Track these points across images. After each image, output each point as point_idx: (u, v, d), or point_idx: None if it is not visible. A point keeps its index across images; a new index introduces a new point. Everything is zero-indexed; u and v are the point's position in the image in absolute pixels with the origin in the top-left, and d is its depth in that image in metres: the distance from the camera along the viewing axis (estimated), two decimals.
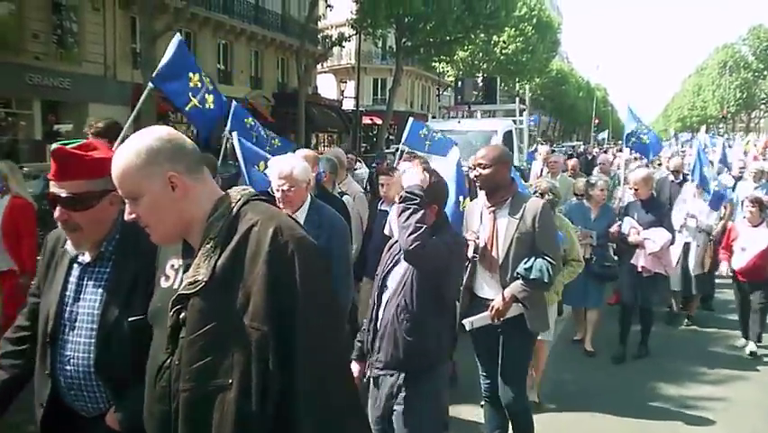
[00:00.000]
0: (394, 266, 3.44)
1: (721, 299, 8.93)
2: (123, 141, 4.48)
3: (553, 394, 5.85)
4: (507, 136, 15.03)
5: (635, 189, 6.74)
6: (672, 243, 6.58)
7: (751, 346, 6.99)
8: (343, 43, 30.25)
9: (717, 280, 8.57)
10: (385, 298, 3.40)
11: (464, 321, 4.09)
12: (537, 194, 5.20)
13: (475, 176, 4.07)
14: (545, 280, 3.85)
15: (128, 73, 23.03)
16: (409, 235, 3.09)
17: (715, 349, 7.45)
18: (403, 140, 8.26)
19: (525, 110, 17.19)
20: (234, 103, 8.18)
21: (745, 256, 6.95)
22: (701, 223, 7.76)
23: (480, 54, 43.55)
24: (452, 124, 16.67)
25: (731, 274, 7.33)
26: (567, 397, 5.86)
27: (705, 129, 28.84)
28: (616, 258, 7.20)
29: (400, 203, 3.21)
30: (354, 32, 30.00)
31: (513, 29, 42.08)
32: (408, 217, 3.14)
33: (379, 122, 36.69)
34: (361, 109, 34.70)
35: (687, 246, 7.81)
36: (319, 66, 38.50)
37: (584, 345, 7.11)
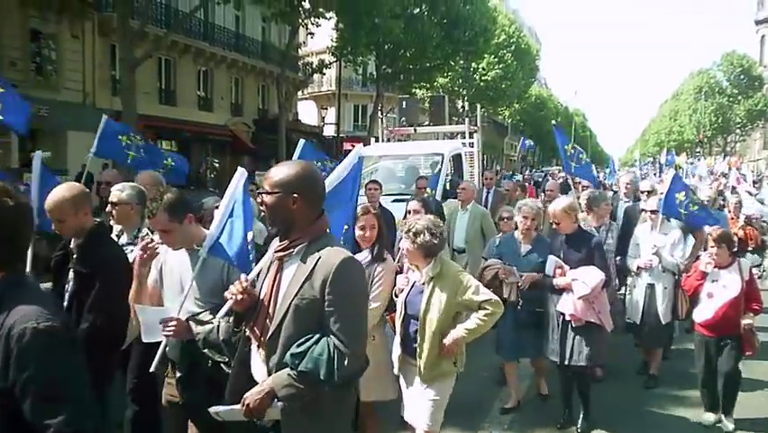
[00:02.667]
0: None
1: (681, 349, 7.33)
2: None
3: None
4: (456, 160, 13.62)
5: (556, 223, 5.57)
6: (606, 284, 5.42)
7: (727, 426, 5.55)
8: (324, 70, 30.41)
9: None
10: None
11: (210, 409, 2.84)
12: (410, 235, 4.09)
13: (258, 203, 2.91)
14: (322, 377, 2.49)
15: (107, 100, 22.90)
16: None
17: (681, 414, 5.96)
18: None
19: (476, 131, 15.70)
20: (104, 118, 7.48)
21: (712, 305, 5.49)
22: (665, 261, 6.41)
23: (460, 81, 43.94)
24: (393, 147, 15.03)
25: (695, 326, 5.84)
26: None
27: (665, 152, 28.88)
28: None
29: None
30: (335, 60, 30.18)
31: (492, 56, 42.57)
32: None
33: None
34: (341, 135, 34.78)
35: (651, 289, 6.52)
36: (300, 92, 38.64)
37: (539, 389, 6.16)
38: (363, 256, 4.33)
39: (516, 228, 5.88)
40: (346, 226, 4.18)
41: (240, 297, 2.73)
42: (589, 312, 5.30)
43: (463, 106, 49.77)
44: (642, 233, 6.78)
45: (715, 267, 5.55)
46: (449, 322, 4.08)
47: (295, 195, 2.64)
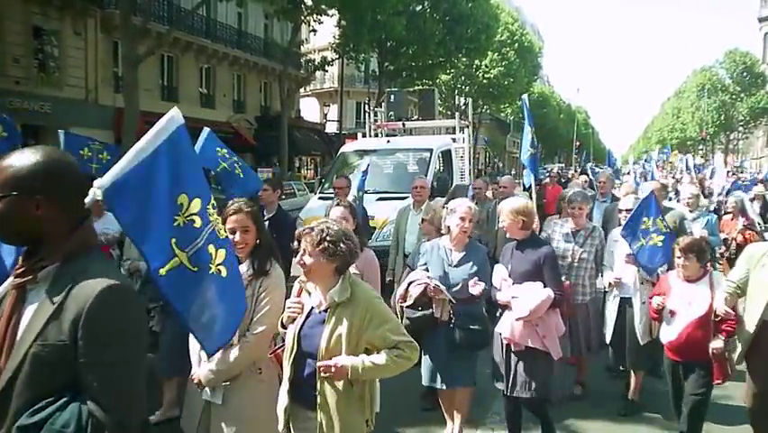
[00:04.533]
0: None
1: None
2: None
3: None
4: (445, 156, 12.88)
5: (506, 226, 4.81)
6: (557, 304, 4.62)
7: None
8: (326, 67, 30.42)
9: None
10: None
11: None
12: (323, 241, 3.13)
13: None
14: None
15: (110, 97, 22.98)
16: None
17: None
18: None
19: (467, 126, 14.82)
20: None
21: (677, 325, 4.75)
22: (644, 271, 5.54)
23: (463, 78, 43.93)
24: (379, 142, 13.92)
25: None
26: None
27: (657, 150, 28.46)
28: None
29: None
30: (337, 57, 30.18)
31: (495, 53, 42.56)
32: None
33: None
34: (343, 132, 34.76)
35: (626, 304, 5.65)
36: (302, 89, 38.64)
37: None
38: (243, 270, 3.36)
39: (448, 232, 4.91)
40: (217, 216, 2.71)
41: None
42: (530, 337, 4.53)
43: (465, 103, 49.75)
44: (617, 237, 5.82)
45: (684, 280, 4.82)
46: None
47: (38, 196, 1.86)
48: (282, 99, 27.19)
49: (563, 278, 5.29)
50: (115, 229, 6.17)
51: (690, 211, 7.59)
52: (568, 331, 5.09)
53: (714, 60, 78.07)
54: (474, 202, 7.59)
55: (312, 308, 3.23)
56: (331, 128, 38.65)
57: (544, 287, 4.56)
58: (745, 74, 72.21)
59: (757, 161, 61.26)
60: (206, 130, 6.78)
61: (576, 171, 31.09)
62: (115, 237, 6.43)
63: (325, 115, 42.66)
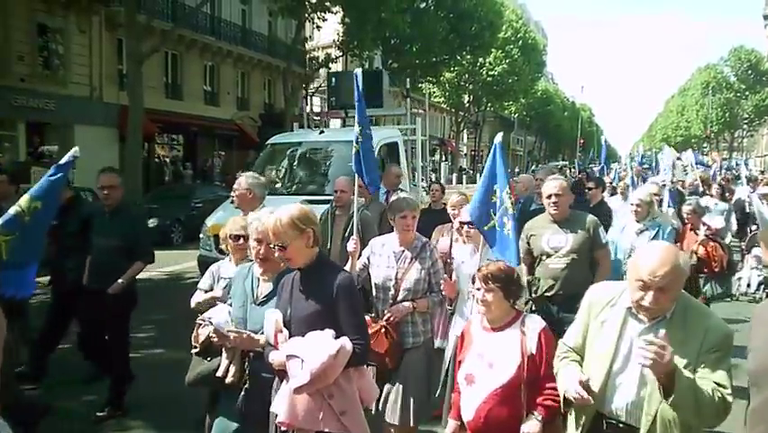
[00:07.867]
0: None
1: None
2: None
3: None
4: (391, 150, 10.92)
5: (280, 248, 3.02)
6: (360, 358, 2.97)
7: None
8: (330, 65, 30.42)
9: None
10: None
11: None
12: None
13: None
14: None
15: (114, 95, 23.02)
16: None
17: None
18: None
19: (422, 116, 12.82)
20: None
21: (475, 397, 3.10)
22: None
23: (467, 76, 43.95)
24: (311, 134, 11.84)
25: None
26: None
27: (633, 149, 27.72)
28: None
29: None
30: (341, 54, 30.17)
31: (499, 51, 42.59)
32: None
33: None
34: None
35: None
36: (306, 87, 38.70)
37: None
38: None
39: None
40: None
41: None
42: (318, 417, 2.90)
43: (469, 101, 49.79)
44: (462, 253, 4.68)
45: (487, 329, 3.23)
46: None
47: None
48: (286, 97, 27.21)
49: (385, 313, 4.12)
50: None
51: (637, 221, 6.08)
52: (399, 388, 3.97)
53: (719, 58, 77.97)
54: (335, 209, 6.25)
55: None
56: (335, 125, 38.65)
57: (337, 337, 2.92)
58: (750, 72, 72.07)
59: (762, 159, 61.01)
60: None
61: (571, 169, 30.80)
62: None
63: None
